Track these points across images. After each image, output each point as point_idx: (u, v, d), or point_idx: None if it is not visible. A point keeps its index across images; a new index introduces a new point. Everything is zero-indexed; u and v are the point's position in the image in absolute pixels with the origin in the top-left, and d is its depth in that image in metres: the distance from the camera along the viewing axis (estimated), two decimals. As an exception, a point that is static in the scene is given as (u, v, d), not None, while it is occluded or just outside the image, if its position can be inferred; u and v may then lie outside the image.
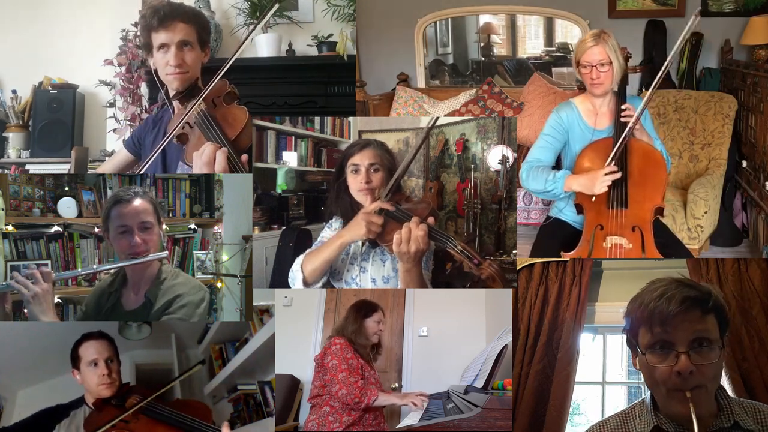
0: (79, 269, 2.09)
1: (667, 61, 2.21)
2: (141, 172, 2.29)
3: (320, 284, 2.07)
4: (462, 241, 1.85)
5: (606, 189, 2.25)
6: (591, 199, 2.30)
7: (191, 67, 2.14)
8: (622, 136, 2.26)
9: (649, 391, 1.39)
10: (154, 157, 2.13)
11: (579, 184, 2.30)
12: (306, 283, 2.04)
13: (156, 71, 2.18)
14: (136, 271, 1.95)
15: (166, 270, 1.98)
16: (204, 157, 1.96)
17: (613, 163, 2.25)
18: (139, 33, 2.16)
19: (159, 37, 2.10)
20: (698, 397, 1.26)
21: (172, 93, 2.20)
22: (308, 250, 2.08)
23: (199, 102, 2.05)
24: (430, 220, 1.86)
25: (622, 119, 2.31)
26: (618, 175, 2.25)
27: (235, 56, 2.11)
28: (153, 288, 1.94)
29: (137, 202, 1.90)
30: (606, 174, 2.24)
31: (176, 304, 1.89)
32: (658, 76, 2.22)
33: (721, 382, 2.25)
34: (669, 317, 1.26)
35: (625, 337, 1.40)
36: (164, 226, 3.21)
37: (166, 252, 1.94)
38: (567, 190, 2.34)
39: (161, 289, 1.93)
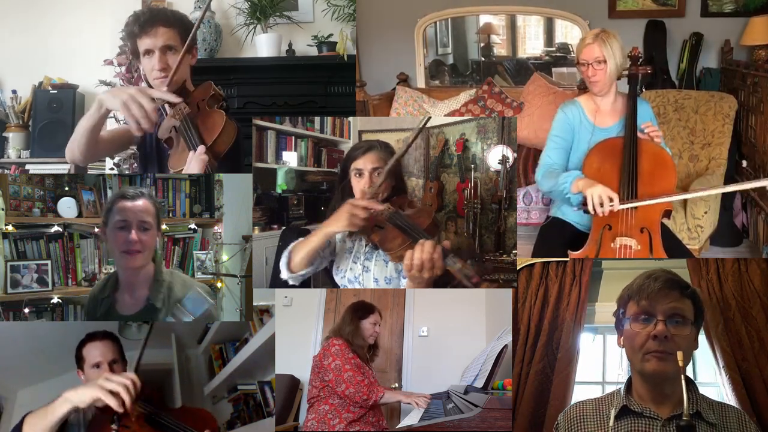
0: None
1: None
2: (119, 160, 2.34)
3: (304, 273, 2.02)
4: (463, 245, 1.81)
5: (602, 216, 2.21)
6: None
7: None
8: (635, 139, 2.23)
9: (624, 380, 1.61)
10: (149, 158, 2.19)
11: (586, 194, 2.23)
12: (290, 269, 2.00)
13: (145, 76, 2.18)
14: (130, 272, 1.94)
15: (163, 271, 1.98)
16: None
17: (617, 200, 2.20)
18: (125, 39, 2.20)
19: (143, 44, 2.09)
20: (670, 359, 1.47)
21: None
22: (299, 239, 2.05)
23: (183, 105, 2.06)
24: (446, 243, 1.76)
25: (651, 134, 2.32)
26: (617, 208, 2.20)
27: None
28: (154, 292, 1.93)
29: (141, 201, 1.92)
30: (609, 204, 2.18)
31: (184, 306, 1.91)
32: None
33: (721, 383, 2.27)
34: (653, 293, 1.52)
35: (615, 321, 1.63)
36: (164, 226, 3.25)
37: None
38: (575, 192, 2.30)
39: (162, 293, 1.93)
